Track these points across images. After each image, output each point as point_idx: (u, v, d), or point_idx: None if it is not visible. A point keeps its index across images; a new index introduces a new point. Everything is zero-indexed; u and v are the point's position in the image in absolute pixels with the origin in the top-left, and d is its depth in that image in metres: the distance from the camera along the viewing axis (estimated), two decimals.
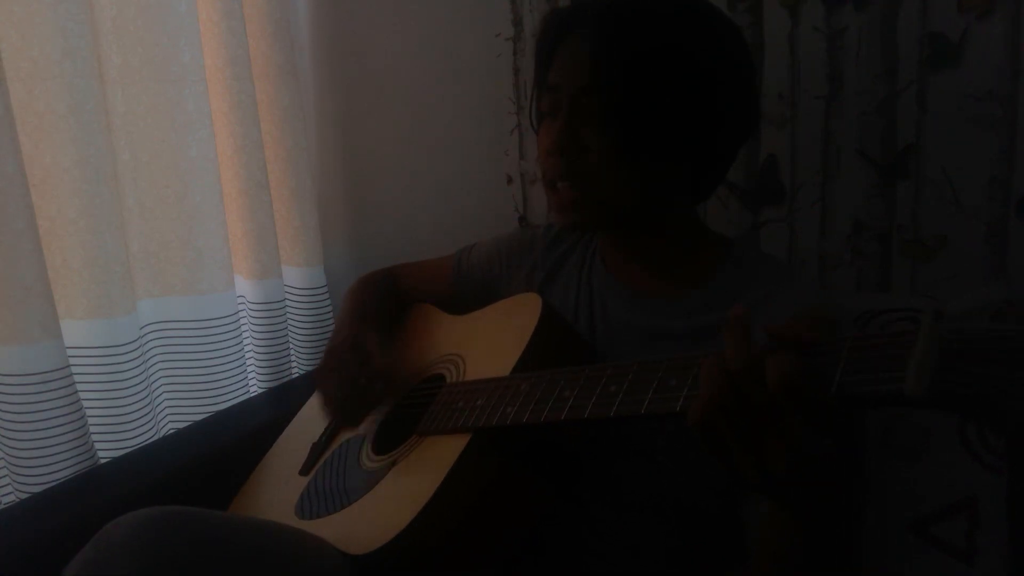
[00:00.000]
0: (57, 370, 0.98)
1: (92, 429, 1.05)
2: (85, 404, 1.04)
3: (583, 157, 0.79)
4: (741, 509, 0.75)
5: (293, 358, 1.39)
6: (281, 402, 1.26)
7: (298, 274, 1.40)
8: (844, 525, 0.64)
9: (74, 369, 1.02)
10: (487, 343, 0.87)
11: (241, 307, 1.33)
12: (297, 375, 1.39)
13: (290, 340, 1.38)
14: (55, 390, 0.98)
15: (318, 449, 0.97)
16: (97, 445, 1.06)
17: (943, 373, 0.41)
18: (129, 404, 1.11)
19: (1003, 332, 0.40)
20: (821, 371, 0.47)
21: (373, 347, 0.93)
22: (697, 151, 0.80)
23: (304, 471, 0.95)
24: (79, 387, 1.02)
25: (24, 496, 0.98)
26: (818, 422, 0.47)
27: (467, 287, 1.06)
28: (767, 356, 0.48)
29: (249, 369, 1.34)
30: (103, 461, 1.06)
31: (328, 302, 1.43)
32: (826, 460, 0.53)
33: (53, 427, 0.98)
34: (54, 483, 0.98)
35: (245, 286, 1.33)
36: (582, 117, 0.79)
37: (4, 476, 1.01)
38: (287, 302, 1.38)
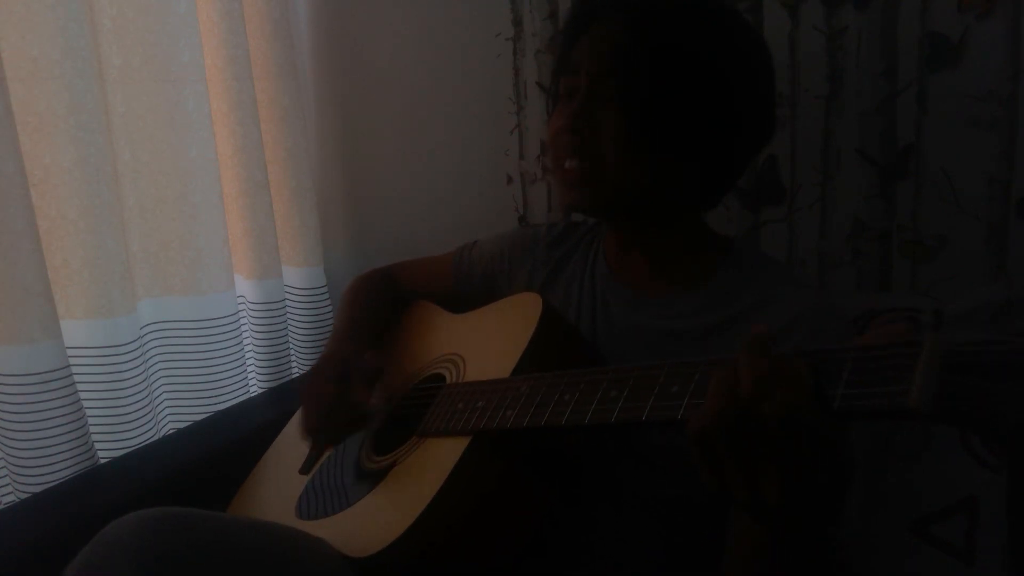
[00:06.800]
0: (57, 370, 0.98)
1: (92, 429, 1.05)
2: (85, 404, 1.04)
3: (595, 137, 0.79)
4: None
5: (293, 358, 1.39)
6: (281, 402, 1.26)
7: (298, 274, 1.40)
8: (823, 549, 0.62)
9: (74, 369, 1.02)
10: (487, 343, 0.87)
11: (241, 307, 1.33)
12: (297, 375, 1.39)
13: (290, 340, 1.38)
14: (55, 390, 0.98)
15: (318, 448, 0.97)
16: (97, 445, 1.06)
17: (947, 388, 0.41)
18: (129, 404, 1.11)
19: (1006, 345, 0.39)
20: (822, 387, 0.47)
21: (354, 372, 0.89)
22: (709, 152, 0.80)
23: (304, 470, 0.95)
24: (79, 387, 1.02)
25: (24, 496, 0.98)
26: (821, 442, 0.46)
27: (467, 284, 1.05)
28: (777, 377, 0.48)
29: (249, 369, 1.34)
30: (103, 461, 1.06)
31: (328, 302, 1.43)
32: (818, 494, 0.51)
33: (53, 427, 0.98)
34: (54, 483, 0.98)
35: (245, 286, 1.33)
36: (599, 99, 0.79)
37: (4, 476, 1.01)
38: (287, 302, 1.38)
